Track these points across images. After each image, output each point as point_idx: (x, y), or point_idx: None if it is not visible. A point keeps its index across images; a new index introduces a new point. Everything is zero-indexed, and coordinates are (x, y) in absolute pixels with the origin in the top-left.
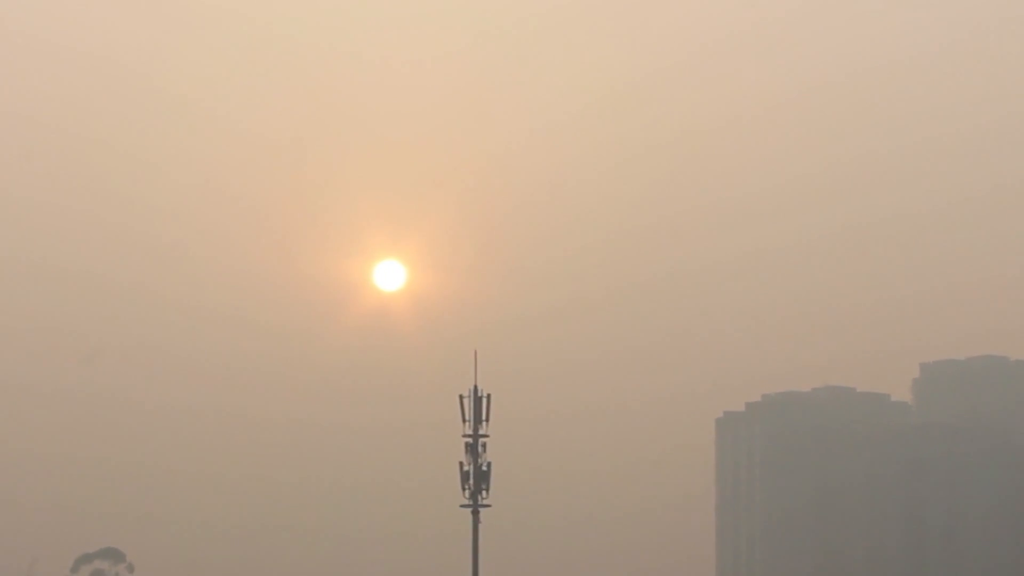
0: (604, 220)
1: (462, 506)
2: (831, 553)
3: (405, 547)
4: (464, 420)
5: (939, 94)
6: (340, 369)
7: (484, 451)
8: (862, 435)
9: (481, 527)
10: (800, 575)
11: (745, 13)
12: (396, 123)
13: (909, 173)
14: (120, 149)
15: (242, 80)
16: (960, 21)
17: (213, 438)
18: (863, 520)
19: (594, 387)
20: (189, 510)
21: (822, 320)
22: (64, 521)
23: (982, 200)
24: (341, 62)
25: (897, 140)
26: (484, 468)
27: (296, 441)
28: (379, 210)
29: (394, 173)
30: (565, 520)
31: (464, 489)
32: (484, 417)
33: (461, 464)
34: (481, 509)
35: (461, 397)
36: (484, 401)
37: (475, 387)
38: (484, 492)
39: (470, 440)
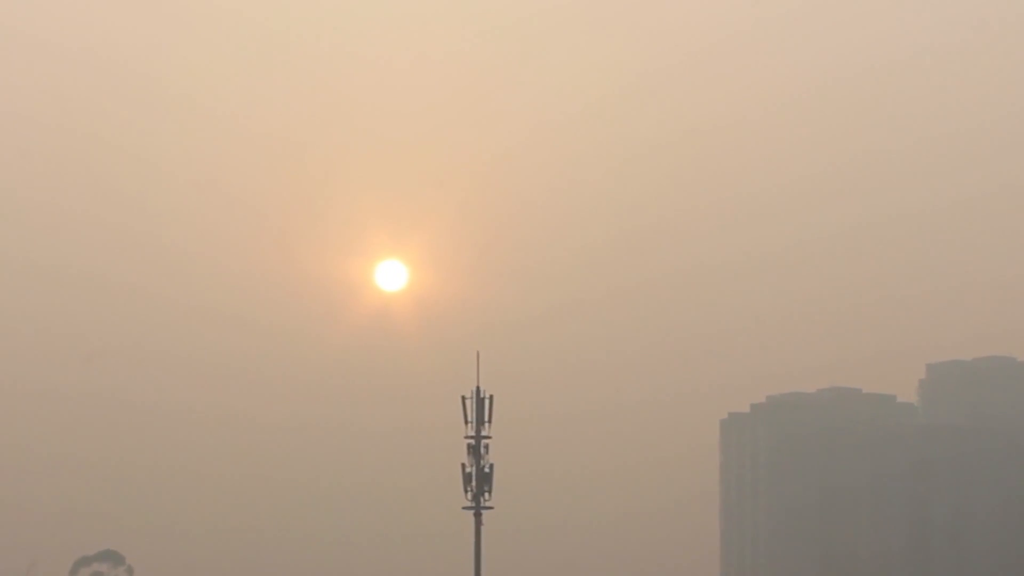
0: (607, 220)
1: (464, 508)
2: (836, 555)
3: (407, 549)
4: (466, 421)
5: (945, 92)
6: (341, 370)
7: (486, 453)
8: (868, 436)
9: (483, 529)
10: None
11: (748, 12)
12: (398, 122)
13: (915, 173)
14: (120, 148)
15: (242, 79)
16: (968, 17)
17: (213, 439)
18: (869, 522)
19: (597, 388)
20: (189, 512)
21: (827, 320)
22: (63, 523)
23: (988, 200)
24: (342, 61)
25: (903, 139)
26: (486, 470)
27: (297, 442)
28: (381, 209)
29: (396, 172)
30: (568, 522)
31: (466, 491)
32: (486, 418)
33: (463, 466)
34: (483, 511)
35: (463, 398)
36: (486, 402)
37: (477, 388)
38: (486, 494)
39: (472, 442)
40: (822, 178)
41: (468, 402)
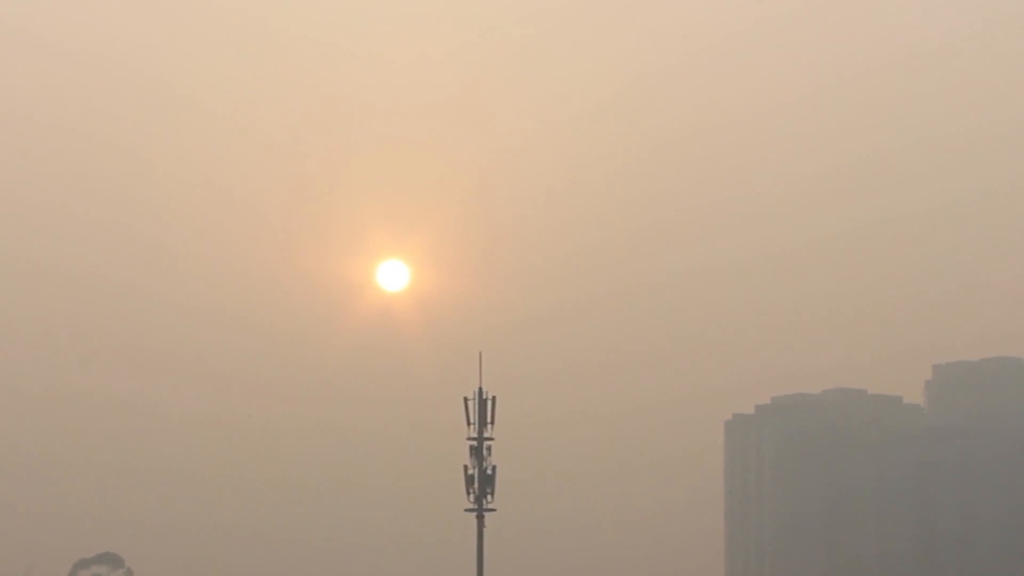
0: (611, 219)
1: (466, 510)
2: (842, 558)
3: (409, 552)
4: (469, 423)
5: (952, 91)
6: (342, 371)
7: (489, 454)
8: (873, 438)
9: (486, 532)
10: None
11: (752, 11)
12: (400, 121)
13: (920, 172)
14: (120, 148)
15: (243, 78)
16: (978, 14)
17: (213, 441)
18: (875, 524)
19: (601, 389)
20: (189, 514)
21: (833, 321)
22: (61, 525)
23: (995, 200)
24: (344, 59)
25: (909, 139)
26: (489, 472)
27: (297, 444)
28: (382, 209)
29: (398, 171)
30: (571, 524)
31: (469, 493)
32: (489, 420)
33: (466, 468)
34: (486, 513)
35: (466, 399)
36: (489, 403)
37: (480, 389)
38: (489, 496)
39: (475, 443)
40: (827, 178)
41: (470, 403)
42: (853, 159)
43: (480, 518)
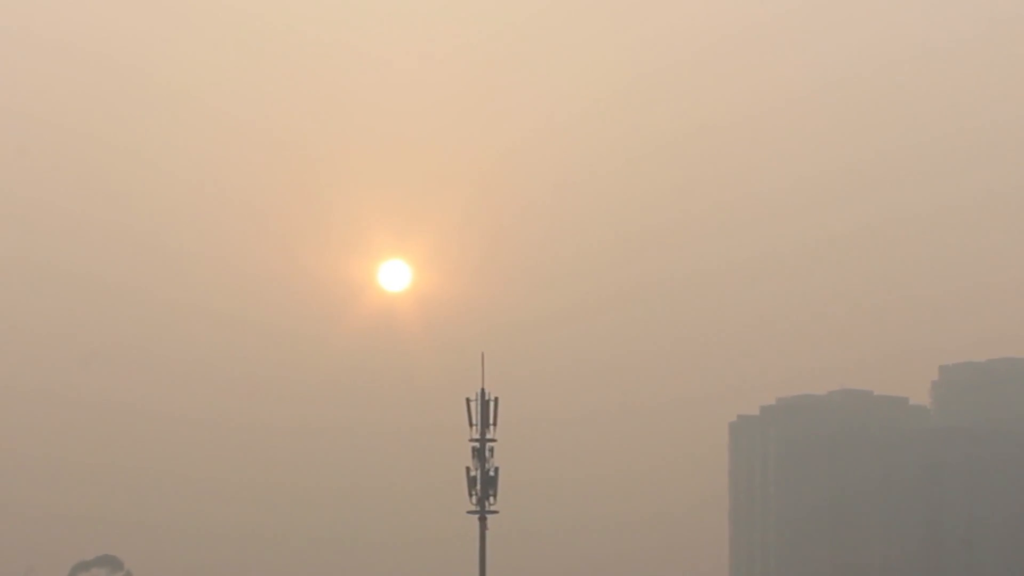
0: (614, 220)
1: (469, 512)
2: (847, 560)
3: (410, 554)
4: (471, 424)
5: (958, 91)
6: (343, 371)
7: (491, 456)
8: (879, 439)
9: (488, 534)
10: None
11: (755, 11)
12: (401, 121)
13: (926, 172)
14: (120, 147)
15: (244, 77)
16: (979, 14)
17: (213, 442)
18: (880, 526)
19: (604, 390)
20: (189, 516)
21: (838, 322)
22: (61, 527)
23: (1001, 200)
24: (346, 59)
25: (914, 139)
26: (491, 473)
27: (298, 445)
28: (384, 209)
29: (399, 171)
30: (575, 526)
31: (471, 495)
32: (491, 421)
33: (468, 469)
34: (488, 515)
35: (468, 400)
36: (491, 404)
37: (482, 390)
38: (491, 498)
39: (477, 444)
40: (832, 178)
41: (473, 404)
42: (859, 159)
43: (482, 520)
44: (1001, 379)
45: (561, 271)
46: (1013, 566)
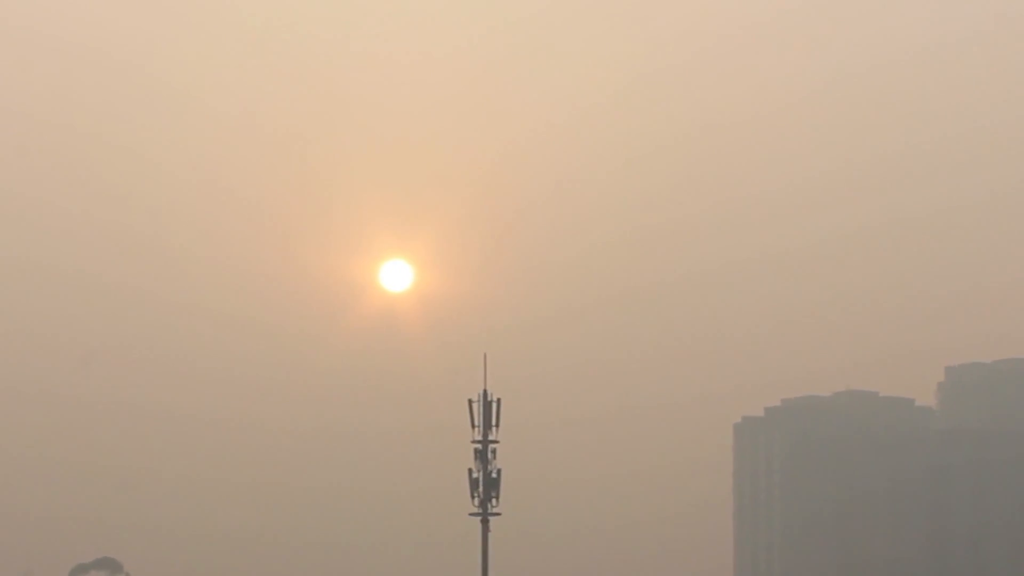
0: (617, 219)
1: (471, 514)
2: (853, 562)
3: (412, 556)
4: (473, 425)
5: (963, 90)
6: (345, 372)
7: (494, 457)
8: (885, 441)
9: (491, 536)
10: None
11: (756, 11)
12: (403, 120)
13: (932, 172)
14: (120, 147)
15: (245, 77)
16: (979, 14)
17: (213, 443)
18: (886, 528)
19: (608, 391)
20: (189, 518)
21: (844, 322)
22: (59, 530)
23: (1008, 200)
24: (347, 58)
25: (920, 138)
26: (494, 475)
27: (299, 446)
28: (386, 209)
29: (401, 171)
30: (578, 528)
31: (473, 497)
32: (494, 422)
33: (470, 471)
34: (491, 517)
35: (470, 401)
36: (494, 405)
37: (484, 391)
38: (494, 500)
39: (479, 446)
40: (837, 178)
41: (475, 405)
42: (864, 159)
43: (485, 522)
44: (1008, 380)
45: (564, 271)
46: (1020, 568)
